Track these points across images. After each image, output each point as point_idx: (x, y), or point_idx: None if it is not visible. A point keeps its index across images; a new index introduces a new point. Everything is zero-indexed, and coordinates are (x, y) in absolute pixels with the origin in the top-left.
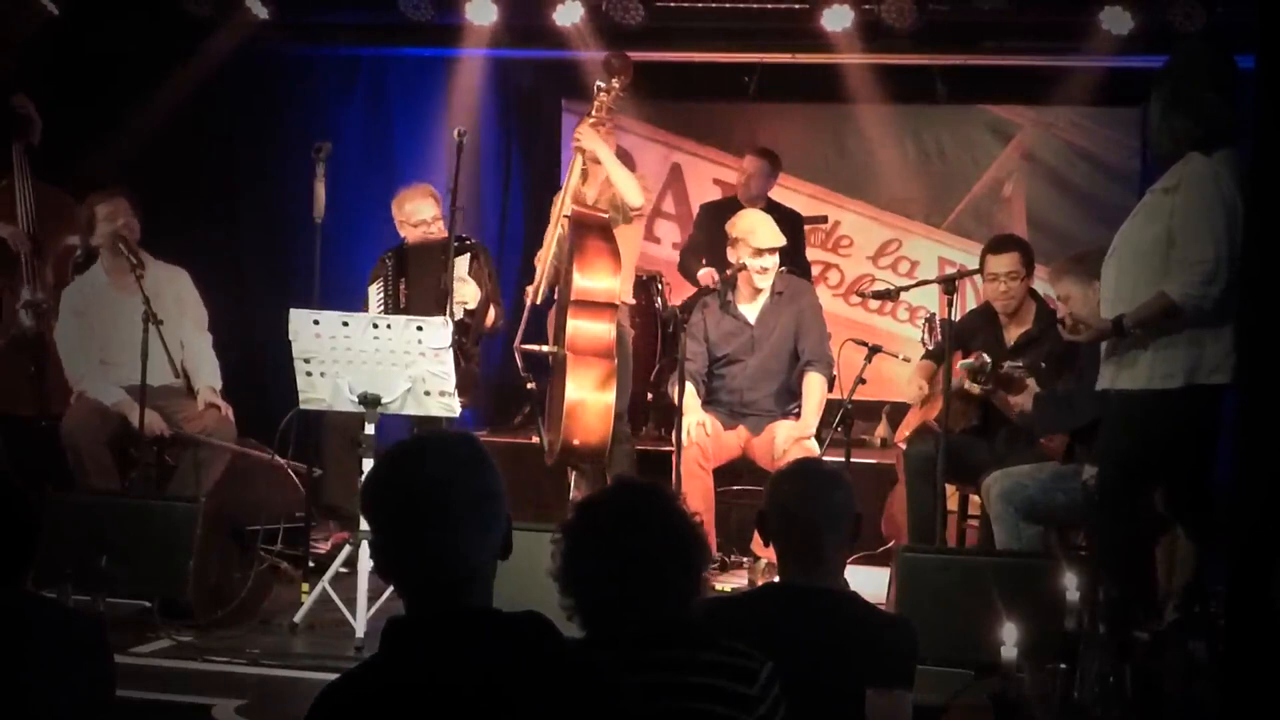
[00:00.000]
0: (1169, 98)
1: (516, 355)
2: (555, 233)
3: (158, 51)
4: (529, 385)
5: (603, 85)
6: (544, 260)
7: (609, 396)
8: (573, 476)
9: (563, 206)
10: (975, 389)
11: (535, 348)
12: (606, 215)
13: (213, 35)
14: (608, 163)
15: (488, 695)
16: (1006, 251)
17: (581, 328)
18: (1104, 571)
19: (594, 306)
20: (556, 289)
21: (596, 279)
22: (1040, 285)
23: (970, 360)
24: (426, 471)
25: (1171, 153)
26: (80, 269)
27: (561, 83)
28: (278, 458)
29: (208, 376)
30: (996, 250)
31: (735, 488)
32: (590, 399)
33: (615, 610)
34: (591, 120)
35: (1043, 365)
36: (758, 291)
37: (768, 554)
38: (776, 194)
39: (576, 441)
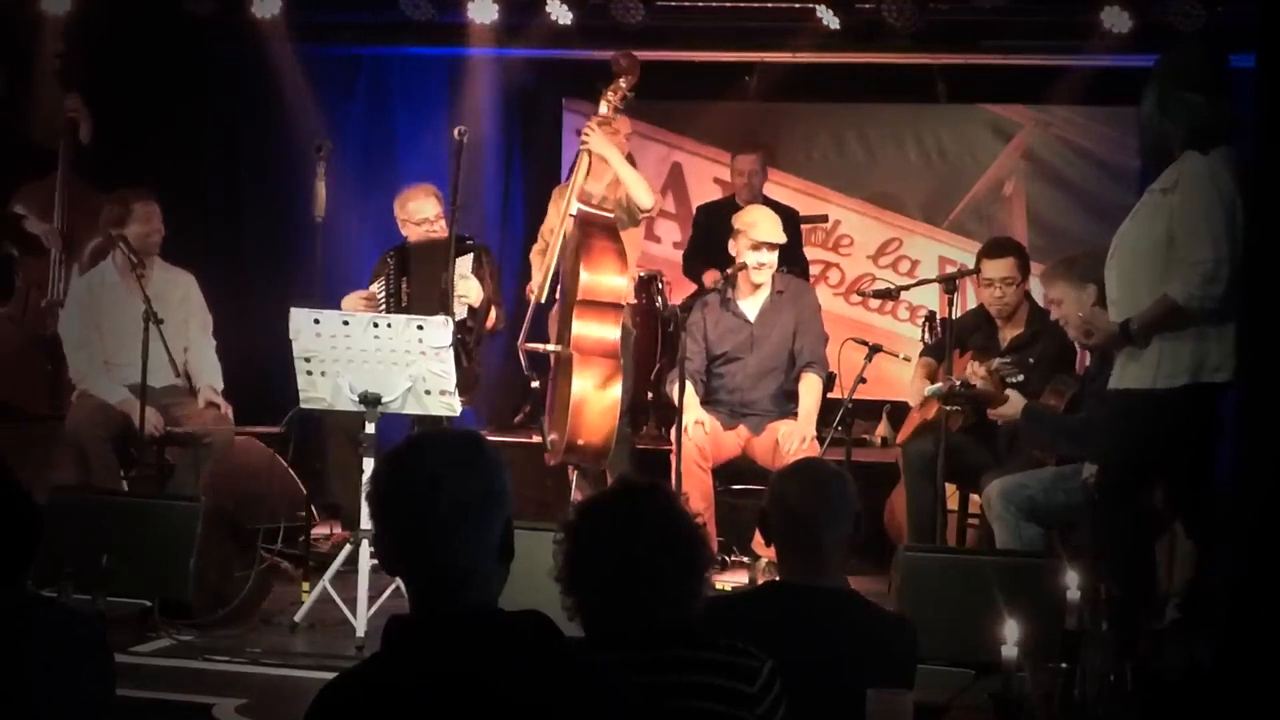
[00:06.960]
0: (1157, 101)
1: (520, 354)
2: (558, 230)
3: (158, 50)
4: (533, 384)
5: (610, 85)
6: (540, 253)
7: (614, 396)
8: (574, 476)
9: (568, 205)
10: (950, 408)
11: (539, 346)
12: (612, 215)
13: (214, 34)
14: (617, 165)
15: (488, 694)
16: (1003, 256)
17: (587, 327)
18: (1106, 570)
19: (600, 306)
20: (559, 287)
21: (603, 278)
22: (1036, 285)
23: (938, 386)
24: (422, 469)
25: (1165, 155)
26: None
27: (562, 82)
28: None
29: (209, 378)
30: (992, 254)
31: (736, 487)
32: (595, 398)
33: (617, 611)
34: (599, 120)
35: (1031, 361)
36: (756, 287)
37: (769, 553)
38: (775, 192)
39: (581, 441)
